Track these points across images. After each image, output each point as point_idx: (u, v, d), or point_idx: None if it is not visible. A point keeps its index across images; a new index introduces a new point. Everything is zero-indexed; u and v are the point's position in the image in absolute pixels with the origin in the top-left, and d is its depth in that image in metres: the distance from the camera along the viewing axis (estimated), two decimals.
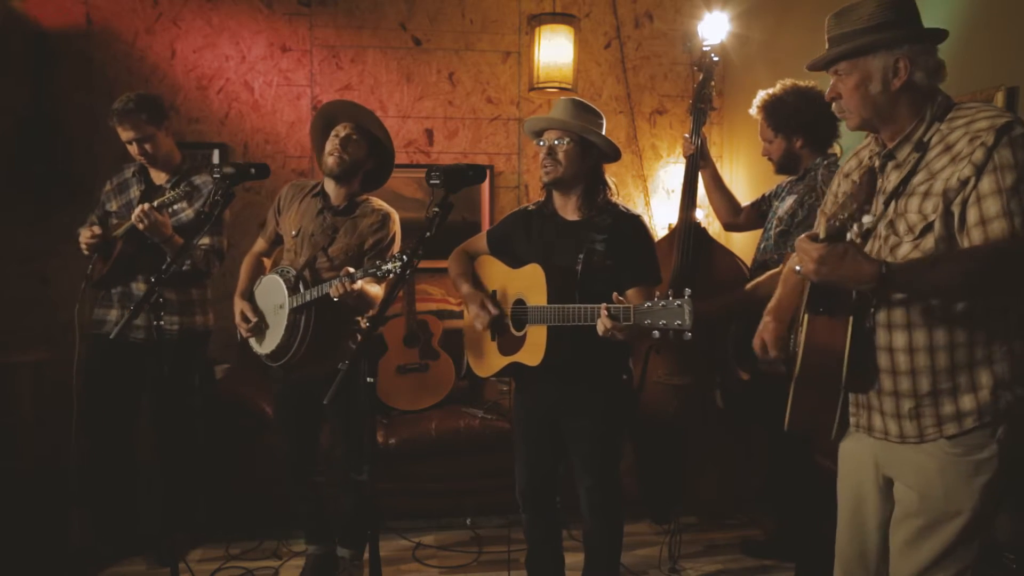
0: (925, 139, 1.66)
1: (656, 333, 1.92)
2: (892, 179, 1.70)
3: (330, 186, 2.79)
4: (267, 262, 3.00)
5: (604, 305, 2.03)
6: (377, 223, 2.76)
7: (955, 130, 1.62)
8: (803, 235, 1.57)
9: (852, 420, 1.79)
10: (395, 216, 2.83)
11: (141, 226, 2.83)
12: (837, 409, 1.78)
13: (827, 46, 1.74)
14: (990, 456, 1.61)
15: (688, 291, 1.86)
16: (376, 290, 2.71)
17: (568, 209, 2.42)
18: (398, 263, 2.27)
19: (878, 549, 1.81)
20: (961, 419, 1.62)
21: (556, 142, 2.35)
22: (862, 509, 1.83)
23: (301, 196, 2.85)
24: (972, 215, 1.55)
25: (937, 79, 1.69)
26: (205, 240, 3.04)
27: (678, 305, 1.86)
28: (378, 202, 2.83)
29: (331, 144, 2.74)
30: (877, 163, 1.76)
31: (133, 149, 3.00)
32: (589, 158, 2.37)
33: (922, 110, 1.68)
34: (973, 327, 1.61)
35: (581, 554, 2.57)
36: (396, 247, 2.80)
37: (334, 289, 2.50)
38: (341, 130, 2.75)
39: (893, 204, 1.67)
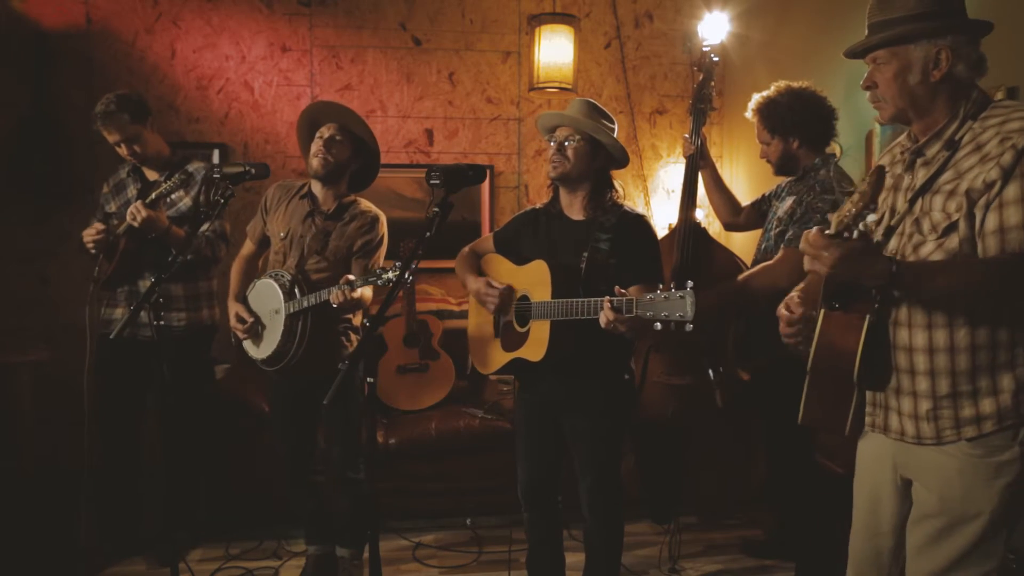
0: (957, 137, 1.61)
1: (658, 325, 1.91)
2: (920, 176, 1.66)
3: (317, 188, 2.79)
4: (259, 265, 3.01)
5: (606, 298, 2.03)
6: (366, 225, 2.77)
7: (987, 129, 1.57)
8: (814, 229, 1.54)
9: (868, 420, 1.76)
10: (383, 218, 2.84)
11: (136, 224, 2.84)
12: (851, 405, 1.75)
13: (867, 32, 1.67)
14: (1012, 459, 1.57)
15: (690, 283, 1.86)
16: (368, 293, 2.73)
17: (574, 209, 2.42)
18: (396, 274, 2.28)
19: (892, 550, 1.79)
20: (980, 423, 1.58)
21: (567, 141, 2.35)
22: (879, 509, 1.80)
23: (288, 198, 2.85)
24: (991, 221, 1.51)
25: (978, 73, 1.64)
26: (205, 226, 3.04)
27: (680, 297, 1.87)
28: (366, 204, 2.84)
29: (315, 146, 2.74)
30: (907, 159, 1.72)
31: (122, 150, 3.00)
32: (597, 159, 2.38)
33: (957, 105, 1.63)
34: (996, 330, 1.57)
35: (581, 554, 2.57)
36: (384, 248, 2.82)
37: (334, 297, 2.51)
38: (325, 131, 2.74)
39: (920, 202, 1.64)
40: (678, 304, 1.87)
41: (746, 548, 3.29)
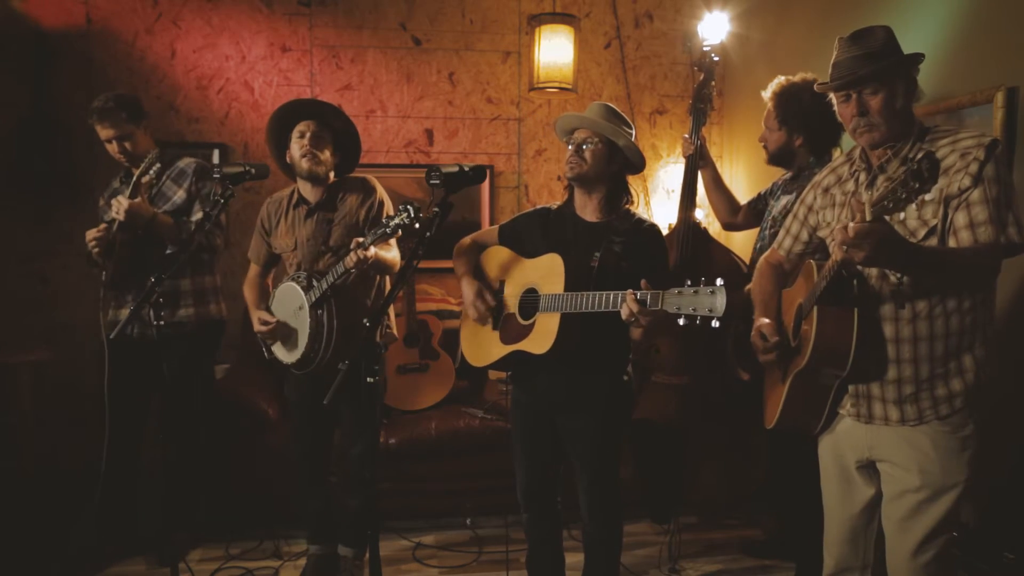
0: (911, 156, 1.82)
1: (682, 320, 1.90)
2: (883, 190, 1.81)
3: (306, 188, 2.79)
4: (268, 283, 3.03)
5: (630, 291, 2.02)
6: (361, 194, 2.77)
7: (939, 148, 1.79)
8: (849, 224, 1.62)
9: (852, 411, 1.94)
10: (374, 180, 2.84)
11: (120, 217, 2.83)
12: (828, 402, 1.95)
13: (842, 67, 1.84)
14: (971, 433, 1.83)
15: (720, 280, 1.86)
16: (393, 255, 2.72)
17: (588, 210, 2.42)
18: (404, 215, 2.25)
19: (864, 530, 2.01)
20: (952, 400, 1.82)
21: (585, 143, 2.35)
22: (852, 492, 2.01)
23: (283, 212, 2.85)
24: (961, 218, 1.74)
25: (916, 101, 1.89)
26: (198, 214, 3.03)
27: (711, 292, 1.85)
28: (352, 176, 2.85)
29: (299, 146, 2.71)
30: (863, 177, 1.92)
31: (112, 148, 2.99)
32: (614, 162, 2.37)
33: (910, 128, 1.86)
34: (963, 317, 1.81)
35: (581, 554, 2.57)
36: (388, 207, 2.81)
37: (349, 260, 2.47)
38: (305, 129, 2.72)
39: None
40: (707, 299, 1.85)
41: (746, 548, 3.29)
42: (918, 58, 1.84)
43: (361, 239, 2.47)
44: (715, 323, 1.86)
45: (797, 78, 2.78)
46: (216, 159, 4.07)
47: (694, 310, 1.88)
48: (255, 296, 2.91)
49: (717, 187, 3.33)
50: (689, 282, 1.91)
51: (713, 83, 3.31)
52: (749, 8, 4.03)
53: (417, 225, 2.13)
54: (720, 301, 1.83)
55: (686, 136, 3.32)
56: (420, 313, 3.86)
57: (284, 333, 2.75)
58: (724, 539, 3.42)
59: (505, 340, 2.43)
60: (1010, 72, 2.49)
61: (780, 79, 2.82)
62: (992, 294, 1.86)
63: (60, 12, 3.93)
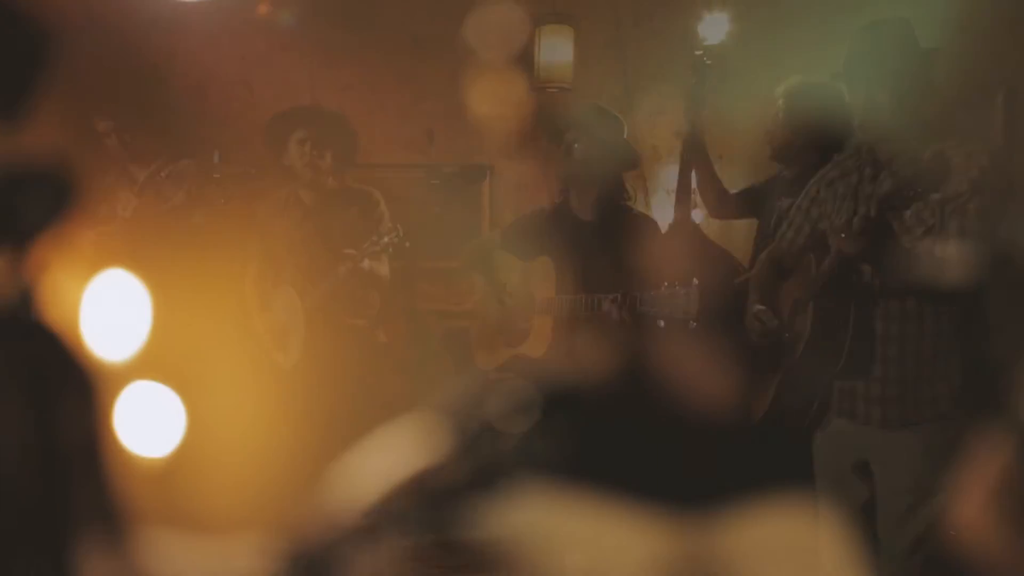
0: (917, 154, 1.80)
1: (661, 322, 1.91)
2: (886, 186, 1.86)
3: (304, 192, 2.80)
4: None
5: (611, 296, 2.03)
6: (363, 208, 2.81)
7: (944, 148, 1.79)
8: (849, 219, 1.69)
9: (836, 407, 1.96)
10: (377, 194, 2.87)
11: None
12: (818, 400, 1.97)
13: (854, 63, 1.88)
14: (959, 434, 1.79)
15: (695, 280, 1.86)
16: (384, 271, 2.73)
17: (583, 208, 2.43)
18: (393, 234, 2.29)
19: (862, 531, 1.96)
20: (938, 402, 1.82)
21: (574, 143, 2.36)
22: (846, 492, 1.99)
23: (279, 212, 2.88)
24: (954, 223, 1.75)
25: None
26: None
27: (685, 294, 1.87)
28: (356, 186, 2.86)
29: (300, 154, 2.71)
30: (868, 172, 1.94)
31: (112, 140, 2.99)
32: (606, 160, 2.38)
33: (916, 126, 1.87)
34: (950, 318, 1.80)
35: None
36: (387, 221, 2.83)
37: (343, 271, 2.54)
38: (305, 136, 2.73)
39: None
40: (681, 302, 1.87)
41: None
42: (930, 54, 1.86)
43: (352, 252, 2.50)
44: (692, 324, 1.87)
45: (812, 80, 2.78)
46: (216, 159, 4.06)
47: (669, 313, 1.89)
48: (259, 297, 2.92)
49: (709, 179, 3.34)
50: (665, 284, 1.91)
51: (706, 85, 3.33)
52: (749, 8, 4.03)
53: (407, 244, 2.15)
54: (692, 303, 1.85)
55: (680, 136, 3.35)
56: (420, 313, 3.86)
57: (283, 336, 2.77)
58: None
59: (508, 344, 2.45)
60: (1010, 72, 2.50)
61: (795, 78, 2.83)
62: (983, 298, 1.86)
63: (60, 12, 3.93)
